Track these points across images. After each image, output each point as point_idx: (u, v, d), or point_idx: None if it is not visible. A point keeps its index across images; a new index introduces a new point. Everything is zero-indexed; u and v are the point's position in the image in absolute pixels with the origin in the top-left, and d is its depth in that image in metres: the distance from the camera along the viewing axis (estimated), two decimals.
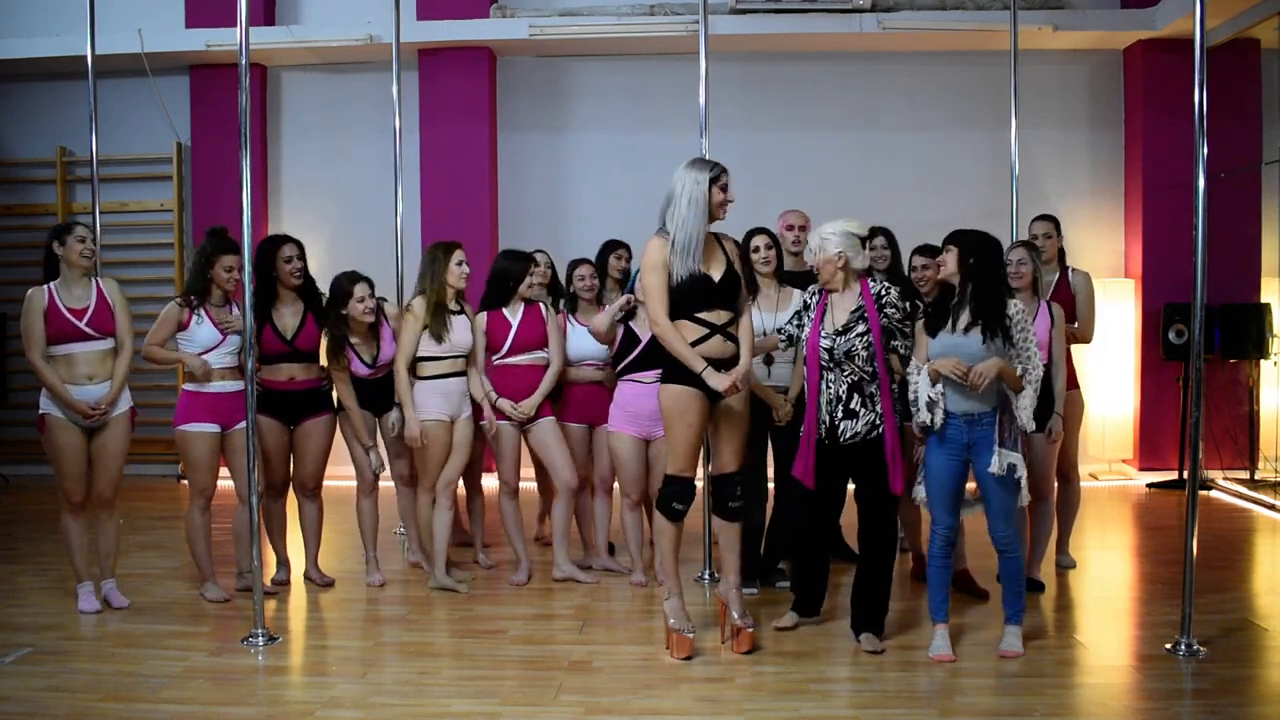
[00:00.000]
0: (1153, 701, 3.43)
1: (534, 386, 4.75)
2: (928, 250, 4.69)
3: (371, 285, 4.75)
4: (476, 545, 5.23)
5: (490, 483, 5.10)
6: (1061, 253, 4.98)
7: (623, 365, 4.75)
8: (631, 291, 4.71)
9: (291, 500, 4.87)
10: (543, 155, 7.87)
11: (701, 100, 4.93)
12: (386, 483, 4.87)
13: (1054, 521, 4.78)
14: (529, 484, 5.10)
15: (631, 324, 4.71)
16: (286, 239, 4.71)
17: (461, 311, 4.74)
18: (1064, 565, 5.01)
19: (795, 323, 4.09)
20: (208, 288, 4.47)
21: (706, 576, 4.83)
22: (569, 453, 4.82)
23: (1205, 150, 3.88)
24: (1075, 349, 4.87)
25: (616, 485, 4.89)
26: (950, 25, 7.24)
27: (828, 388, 3.90)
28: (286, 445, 4.72)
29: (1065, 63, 7.64)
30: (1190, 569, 3.90)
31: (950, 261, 3.81)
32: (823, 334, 3.91)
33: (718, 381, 3.68)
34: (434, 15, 7.49)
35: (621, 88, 7.78)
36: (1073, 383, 4.69)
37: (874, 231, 5.24)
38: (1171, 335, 7.13)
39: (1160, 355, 7.24)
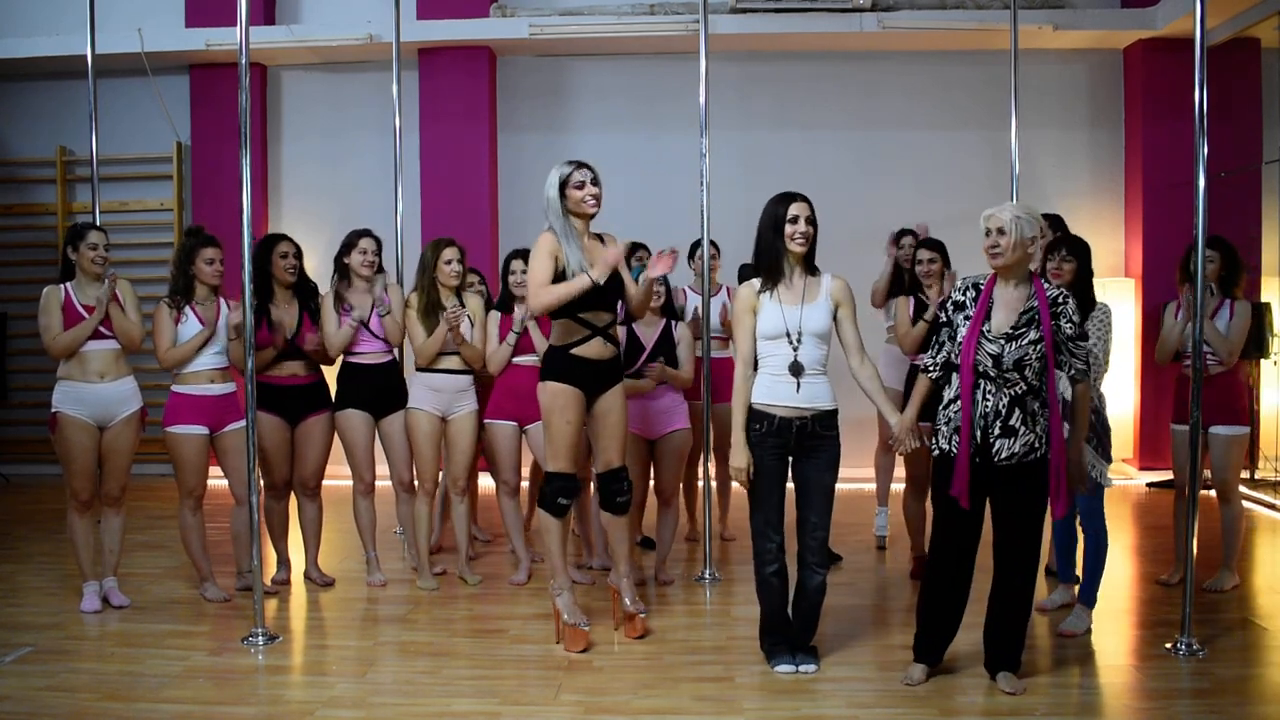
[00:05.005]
0: (1153, 701, 3.43)
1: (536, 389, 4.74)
2: (932, 244, 4.73)
3: (379, 242, 4.80)
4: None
5: (486, 480, 5.08)
6: None
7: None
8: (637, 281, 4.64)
9: (291, 500, 4.87)
10: (543, 155, 7.82)
11: (701, 100, 4.93)
12: (383, 482, 4.86)
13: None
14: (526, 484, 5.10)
15: (634, 328, 4.69)
16: (283, 237, 4.76)
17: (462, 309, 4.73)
18: None
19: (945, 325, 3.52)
20: (191, 284, 4.49)
21: (706, 576, 4.83)
22: None
23: (1205, 150, 3.88)
24: None
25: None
26: (950, 25, 7.25)
27: (983, 399, 3.38)
28: (287, 443, 4.72)
29: (1065, 62, 7.65)
30: (1190, 569, 3.91)
31: (1070, 271, 4.09)
32: (988, 337, 3.38)
33: (601, 273, 3.87)
34: (434, 15, 7.50)
35: (621, 87, 7.78)
36: None
37: (905, 231, 5.23)
38: None
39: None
